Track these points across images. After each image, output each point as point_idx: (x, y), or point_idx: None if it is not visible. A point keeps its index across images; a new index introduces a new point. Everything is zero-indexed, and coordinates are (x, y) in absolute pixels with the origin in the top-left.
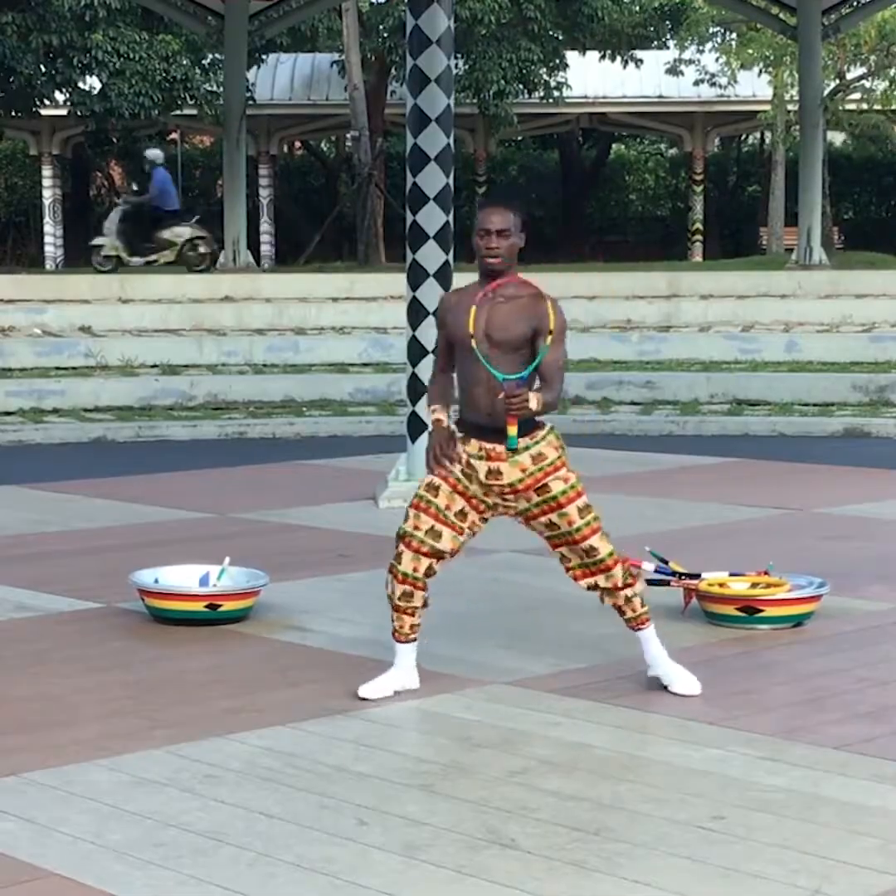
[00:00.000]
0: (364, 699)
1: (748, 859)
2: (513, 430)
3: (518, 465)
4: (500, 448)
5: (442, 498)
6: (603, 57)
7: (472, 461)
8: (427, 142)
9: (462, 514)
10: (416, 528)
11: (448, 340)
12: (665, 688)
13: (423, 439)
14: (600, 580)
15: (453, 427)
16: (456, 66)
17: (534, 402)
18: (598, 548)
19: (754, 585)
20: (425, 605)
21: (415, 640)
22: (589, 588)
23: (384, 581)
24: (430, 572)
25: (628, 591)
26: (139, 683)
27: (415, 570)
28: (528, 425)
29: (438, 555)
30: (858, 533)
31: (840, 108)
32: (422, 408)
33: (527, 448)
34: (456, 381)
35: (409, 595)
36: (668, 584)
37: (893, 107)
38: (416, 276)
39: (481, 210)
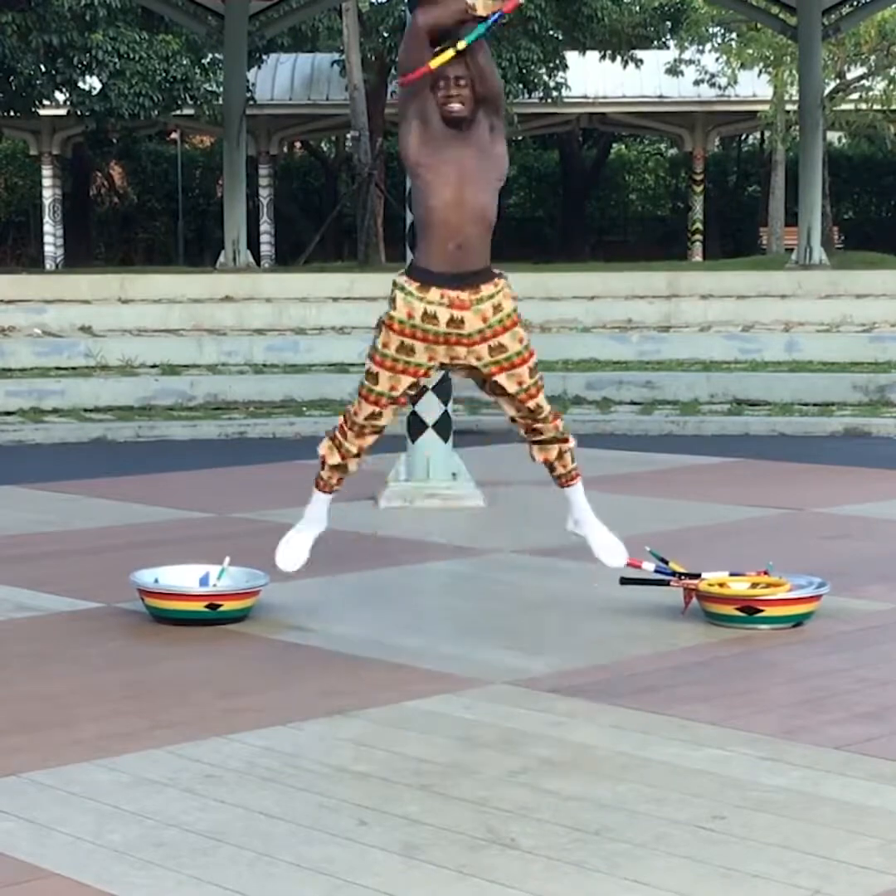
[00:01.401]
0: (285, 570)
1: (748, 859)
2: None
3: (480, 315)
4: (463, 295)
5: (383, 383)
6: (603, 57)
7: (432, 310)
8: None
9: (410, 387)
10: (356, 413)
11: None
12: (591, 552)
13: (423, 439)
14: (539, 426)
15: None
16: None
17: None
18: (543, 406)
19: (754, 585)
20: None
21: (338, 491)
22: (527, 431)
23: (320, 447)
24: (367, 445)
25: (563, 446)
26: (139, 683)
27: (359, 449)
28: (489, 274)
29: (379, 431)
30: (858, 533)
31: (838, 107)
32: (421, 408)
33: (490, 297)
34: (420, 221)
35: (342, 467)
36: (668, 584)
37: (893, 106)
38: None
39: None
